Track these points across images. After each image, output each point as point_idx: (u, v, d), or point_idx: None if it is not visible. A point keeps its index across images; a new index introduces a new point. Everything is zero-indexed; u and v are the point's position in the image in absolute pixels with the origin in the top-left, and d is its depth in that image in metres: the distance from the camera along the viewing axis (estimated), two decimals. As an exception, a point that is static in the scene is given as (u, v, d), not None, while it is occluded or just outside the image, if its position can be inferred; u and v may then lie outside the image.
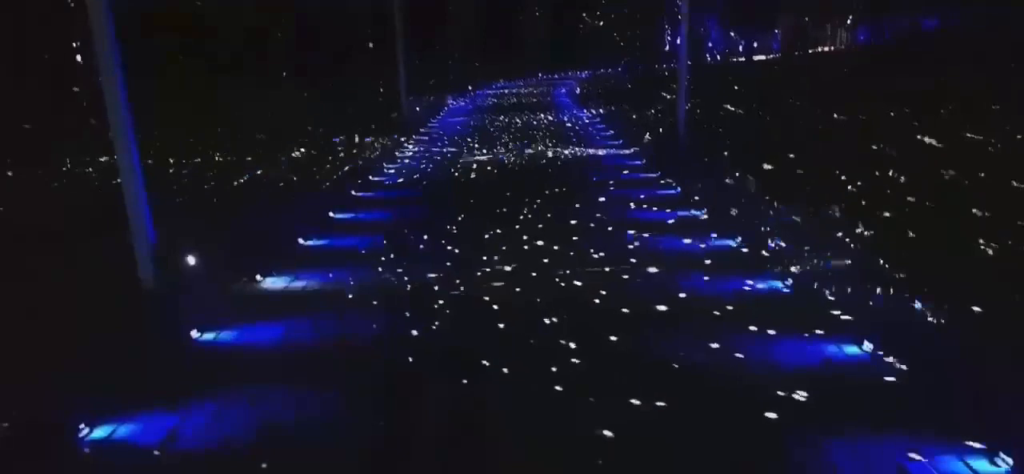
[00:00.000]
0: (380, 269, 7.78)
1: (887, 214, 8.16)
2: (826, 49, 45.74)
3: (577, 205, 10.49)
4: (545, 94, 34.99)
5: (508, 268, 7.60)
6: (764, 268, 7.22)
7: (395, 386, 5.12)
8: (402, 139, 18.58)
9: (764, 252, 7.64)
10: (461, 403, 4.85)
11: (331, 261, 8.12)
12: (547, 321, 6.06)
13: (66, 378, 5.00)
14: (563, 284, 7.01)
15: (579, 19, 52.42)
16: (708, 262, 7.57)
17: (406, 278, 7.39)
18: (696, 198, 10.35)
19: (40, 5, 17.89)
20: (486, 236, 8.89)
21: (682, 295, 6.58)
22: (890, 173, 10.06)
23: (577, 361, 5.31)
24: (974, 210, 7.86)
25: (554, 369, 5.16)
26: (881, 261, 6.69)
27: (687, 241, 8.37)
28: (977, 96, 15.46)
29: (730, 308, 6.22)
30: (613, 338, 5.68)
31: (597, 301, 6.54)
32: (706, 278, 7.05)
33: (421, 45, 31.67)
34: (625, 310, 6.28)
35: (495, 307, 6.46)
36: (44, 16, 18.07)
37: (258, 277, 7.54)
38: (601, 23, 52.55)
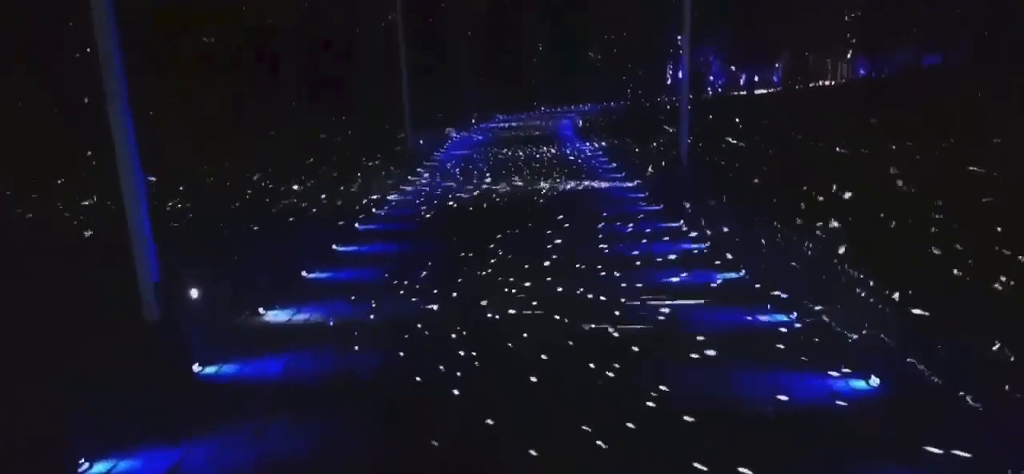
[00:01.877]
0: (394, 306, 7.70)
1: (890, 246, 8.14)
2: (827, 83, 46.15)
3: (584, 239, 10.46)
4: (548, 127, 35.19)
5: (524, 305, 7.59)
6: (770, 302, 7.19)
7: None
8: (407, 174, 18.65)
9: (764, 285, 7.60)
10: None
11: (335, 294, 8.10)
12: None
13: (67, 411, 4.97)
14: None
15: (582, 54, 52.96)
16: (714, 296, 7.56)
17: (428, 322, 7.18)
18: (701, 232, 10.34)
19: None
20: (492, 271, 8.89)
21: (700, 337, 6.39)
22: (890, 205, 10.06)
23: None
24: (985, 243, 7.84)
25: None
26: (884, 294, 6.66)
27: (694, 275, 8.35)
28: (976, 130, 15.53)
29: (740, 343, 6.20)
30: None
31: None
32: (719, 313, 7.02)
33: (425, 80, 31.98)
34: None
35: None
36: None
37: (260, 310, 7.53)
38: (600, 57, 53.14)
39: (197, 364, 5.99)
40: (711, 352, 6.04)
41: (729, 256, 8.84)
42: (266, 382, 5.79)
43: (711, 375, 5.61)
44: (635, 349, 6.18)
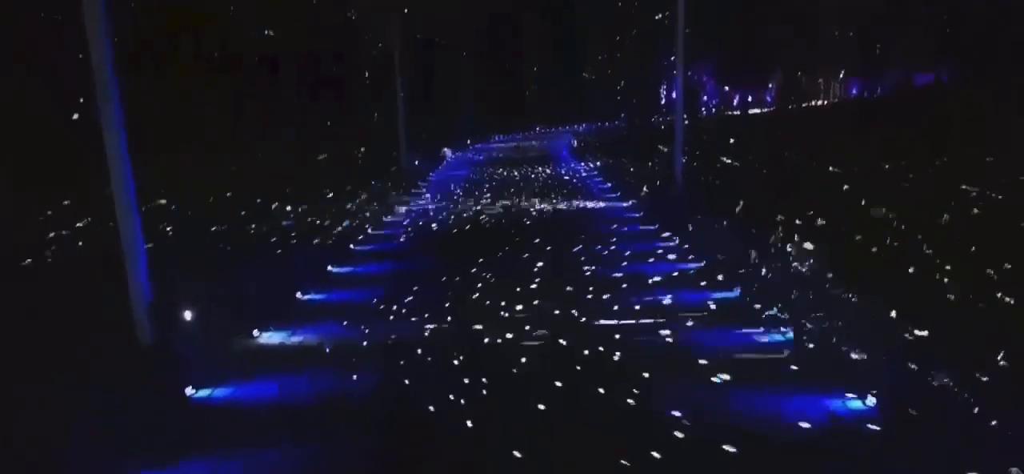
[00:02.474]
0: (389, 328, 7.63)
1: (882, 265, 8.15)
2: (819, 103, 46.47)
3: (581, 260, 10.43)
4: (543, 147, 35.31)
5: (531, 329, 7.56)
6: (765, 320, 7.18)
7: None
8: (402, 194, 18.68)
9: (758, 304, 7.58)
10: None
11: (331, 315, 8.05)
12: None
13: (58, 436, 4.92)
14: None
15: (577, 75, 53.29)
16: (710, 315, 7.55)
17: (424, 344, 7.08)
18: (696, 252, 10.32)
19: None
20: (493, 297, 8.87)
21: (695, 356, 6.37)
22: (881, 224, 10.09)
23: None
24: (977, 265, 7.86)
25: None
26: (878, 314, 6.67)
27: (690, 294, 8.34)
28: (969, 149, 15.65)
29: (736, 362, 6.19)
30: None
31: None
32: (715, 332, 7.02)
33: (421, 101, 32.08)
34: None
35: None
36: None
37: (255, 332, 7.48)
38: (594, 77, 53.49)
39: (191, 387, 5.94)
40: (710, 373, 6.03)
41: (724, 275, 8.82)
42: (260, 406, 5.75)
43: (706, 395, 5.59)
44: (633, 370, 6.16)
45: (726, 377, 5.91)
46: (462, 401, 5.67)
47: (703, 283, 8.81)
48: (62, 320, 7.33)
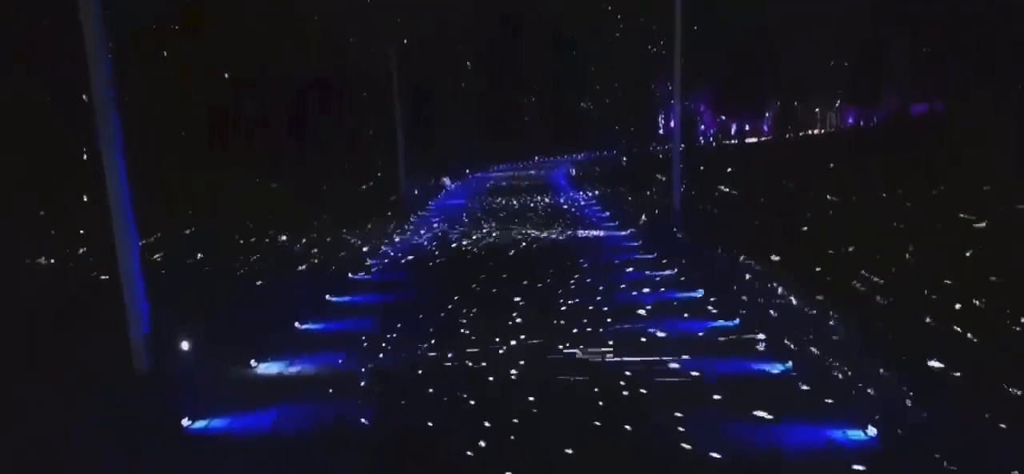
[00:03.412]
0: (392, 360, 7.53)
1: (881, 293, 8.15)
2: (816, 132, 46.83)
3: (579, 291, 10.38)
4: (542, 176, 35.41)
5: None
6: (766, 350, 7.15)
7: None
8: (402, 223, 18.72)
9: (758, 333, 7.56)
10: None
11: (329, 345, 7.97)
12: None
13: (55, 465, 4.88)
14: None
15: (575, 104, 53.74)
16: (708, 345, 7.52)
17: (429, 379, 6.93)
18: (696, 281, 10.29)
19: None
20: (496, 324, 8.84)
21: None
22: (882, 253, 10.11)
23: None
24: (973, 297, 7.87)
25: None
26: (874, 340, 6.66)
27: (689, 324, 8.30)
28: (967, 175, 15.73)
29: (736, 391, 6.16)
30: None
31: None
32: (712, 361, 6.96)
33: (420, 130, 32.24)
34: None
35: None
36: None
37: (252, 362, 7.42)
38: (592, 107, 53.93)
39: (187, 418, 5.89)
40: (714, 401, 6.00)
41: (724, 305, 8.79)
42: (256, 437, 5.69)
43: (704, 424, 5.55)
44: (638, 402, 6.14)
45: (726, 405, 5.87)
46: (480, 440, 5.48)
47: (702, 312, 8.76)
48: (56, 347, 7.30)
